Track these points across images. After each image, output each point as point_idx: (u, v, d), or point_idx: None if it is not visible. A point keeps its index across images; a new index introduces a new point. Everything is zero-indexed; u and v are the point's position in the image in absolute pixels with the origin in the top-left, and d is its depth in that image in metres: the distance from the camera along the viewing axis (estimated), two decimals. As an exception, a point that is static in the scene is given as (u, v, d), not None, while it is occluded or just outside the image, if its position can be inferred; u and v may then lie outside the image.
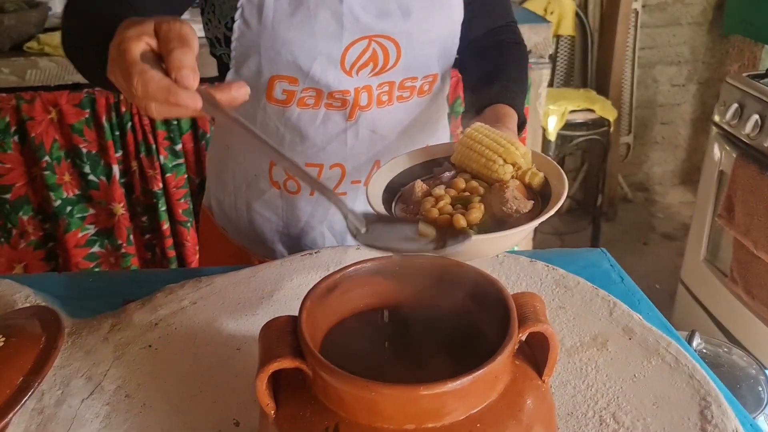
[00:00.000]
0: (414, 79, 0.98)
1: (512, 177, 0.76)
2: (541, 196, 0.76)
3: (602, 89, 3.17)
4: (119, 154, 2.09)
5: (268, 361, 0.58)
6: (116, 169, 2.09)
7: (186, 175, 2.16)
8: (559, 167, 0.77)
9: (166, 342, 0.81)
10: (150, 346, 0.81)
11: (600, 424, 0.72)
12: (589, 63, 3.20)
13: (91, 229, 2.17)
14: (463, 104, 1.07)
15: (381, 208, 0.75)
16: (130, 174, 2.13)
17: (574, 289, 0.90)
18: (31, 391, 0.63)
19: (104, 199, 2.12)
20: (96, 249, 2.19)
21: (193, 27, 0.63)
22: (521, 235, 0.72)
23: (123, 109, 2.03)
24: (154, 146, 2.08)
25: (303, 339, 0.58)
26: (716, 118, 2.23)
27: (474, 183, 0.76)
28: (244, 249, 1.10)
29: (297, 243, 1.06)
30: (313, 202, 1.03)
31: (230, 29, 0.92)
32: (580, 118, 2.91)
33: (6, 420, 0.61)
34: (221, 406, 0.75)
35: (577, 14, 3.08)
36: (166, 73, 0.57)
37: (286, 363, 0.57)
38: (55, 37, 2.04)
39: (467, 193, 0.75)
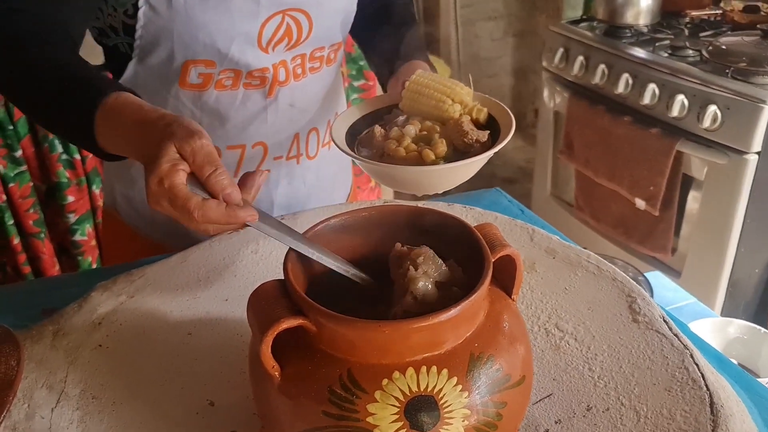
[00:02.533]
0: (322, 49, 0.99)
1: (461, 114, 0.81)
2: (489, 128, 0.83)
3: (431, 49, 3.32)
4: (-51, 169, 1.89)
5: (270, 324, 0.58)
6: (-52, 185, 1.89)
7: (31, 183, 1.99)
8: (500, 102, 0.85)
9: (115, 339, 0.78)
10: (100, 345, 0.77)
11: (547, 335, 0.80)
12: (416, 26, 3.33)
13: (-72, 258, 1.95)
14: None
15: (351, 153, 0.80)
16: (-34, 189, 1.93)
17: (495, 222, 0.97)
18: (6, 407, 0.59)
19: (-61, 220, 1.91)
20: (-64, 278, 1.98)
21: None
22: (486, 160, 0.79)
23: (-53, 118, 1.83)
24: (-10, 156, 1.90)
25: (301, 297, 0.59)
26: (545, 63, 2.44)
27: (428, 123, 0.81)
28: (160, 244, 1.06)
29: (224, 228, 1.04)
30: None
31: (131, 17, 0.87)
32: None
33: (-13, 442, 0.57)
34: (190, 391, 0.74)
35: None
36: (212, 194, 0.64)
37: (289, 322, 0.58)
38: None
39: (425, 132, 0.79)
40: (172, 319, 0.83)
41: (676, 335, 0.77)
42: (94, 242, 2.12)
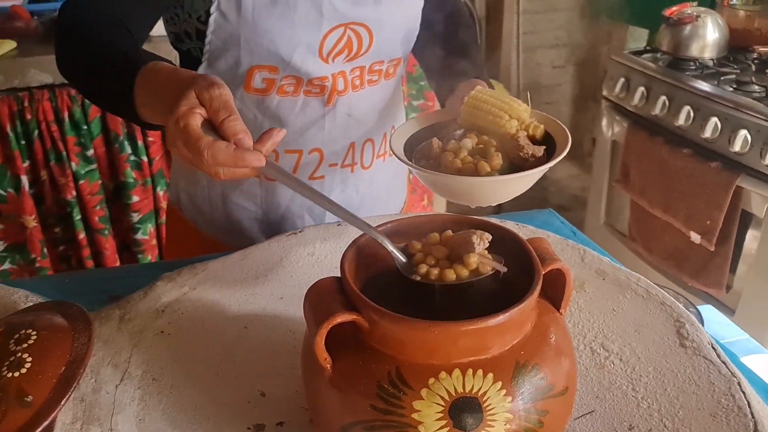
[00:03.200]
0: (381, 63, 1.03)
1: (517, 129, 0.84)
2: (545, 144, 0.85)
3: (492, 74, 3.35)
4: (27, 164, 1.99)
5: (325, 317, 0.61)
6: (25, 179, 1.99)
7: (100, 181, 2.09)
8: (557, 120, 0.87)
9: (176, 327, 0.83)
10: (162, 332, 0.81)
11: (592, 354, 0.81)
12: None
13: (0, 245, 2.06)
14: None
15: (408, 162, 0.83)
16: (40, 184, 2.04)
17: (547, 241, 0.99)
18: (78, 379, 0.63)
19: (14, 212, 2.02)
20: (7, 266, 2.08)
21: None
22: (541, 174, 0.81)
23: (28, 116, 1.93)
24: (64, 153, 2.00)
25: (356, 293, 0.62)
26: (605, 92, 2.43)
27: (485, 137, 0.84)
28: (218, 241, 1.11)
29: (276, 229, 1.09)
30: None
31: (203, 23, 0.93)
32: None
33: (59, 407, 0.62)
34: (244, 380, 0.77)
35: (464, 3, 3.23)
36: (225, 139, 0.66)
37: (343, 317, 0.61)
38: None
39: (481, 146, 0.82)
40: (230, 312, 0.86)
41: (723, 362, 0.77)
42: (154, 241, 2.20)
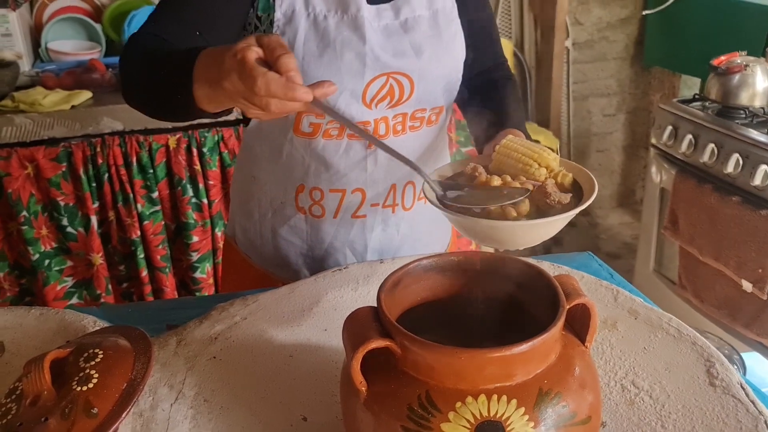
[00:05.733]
0: (423, 110, 1.10)
1: (546, 178, 0.89)
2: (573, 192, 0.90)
3: (542, 122, 3.39)
4: (96, 204, 2.13)
5: (360, 343, 0.67)
6: (94, 219, 2.12)
7: (163, 222, 2.21)
8: (585, 168, 0.92)
9: (227, 353, 0.89)
10: (214, 357, 0.88)
11: (622, 391, 0.84)
12: (528, 97, 3.42)
13: (69, 281, 2.19)
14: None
15: (437, 204, 0.88)
16: (107, 224, 2.17)
17: (581, 281, 1.02)
18: (138, 395, 0.70)
19: (82, 249, 2.15)
20: (74, 300, 2.21)
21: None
22: (567, 220, 0.85)
23: (100, 161, 2.08)
24: (131, 195, 2.13)
25: (390, 321, 0.67)
26: (653, 140, 2.45)
27: (516, 183, 0.89)
28: (268, 273, 1.18)
29: (320, 265, 1.16)
30: (336, 224, 1.13)
31: None
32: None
33: (120, 419, 0.68)
34: (288, 405, 0.82)
35: (514, 53, 3.31)
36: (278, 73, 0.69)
37: (377, 343, 0.66)
38: (30, 95, 2.08)
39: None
40: (277, 341, 0.92)
41: (752, 401, 0.79)
42: (211, 280, 2.30)
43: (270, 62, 0.71)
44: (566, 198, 0.86)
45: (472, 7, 1.13)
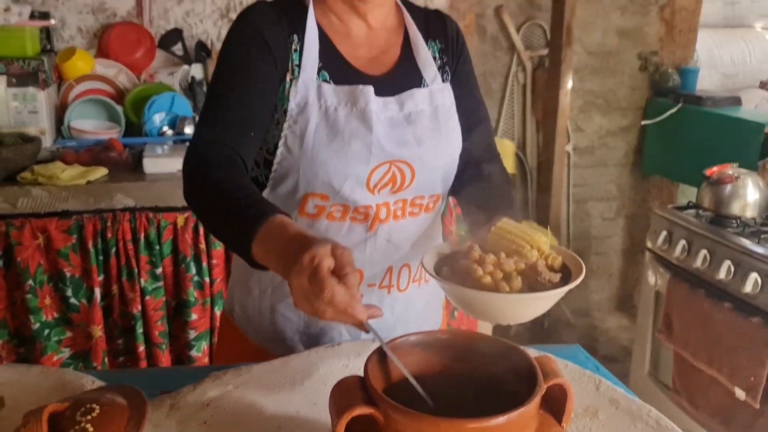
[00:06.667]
0: (422, 197, 1.17)
1: (537, 258, 0.94)
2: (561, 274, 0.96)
3: (541, 222, 3.46)
4: (101, 277, 2.17)
5: (345, 409, 0.70)
6: (98, 291, 2.16)
7: (164, 298, 2.25)
8: (574, 254, 0.98)
9: (218, 419, 0.92)
10: (205, 422, 0.91)
11: (601, 477, 0.86)
12: (528, 198, 3.52)
13: (67, 352, 2.20)
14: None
15: (433, 274, 0.96)
16: (110, 297, 2.20)
17: (564, 370, 1.05)
18: (130, 449, 0.73)
19: (84, 321, 2.18)
20: (69, 372, 2.21)
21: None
22: (558, 297, 0.91)
23: (109, 235, 2.14)
24: (136, 270, 2.18)
25: (375, 390, 0.71)
26: (649, 244, 2.51)
27: (510, 262, 0.94)
28: (263, 349, 1.21)
29: (316, 341, 1.19)
30: None
31: (271, 153, 1.10)
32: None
33: (111, 474, 0.71)
34: (273, 474, 0.85)
35: (516, 154, 3.43)
36: None
37: (362, 410, 0.70)
38: (49, 168, 2.18)
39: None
40: (268, 411, 0.95)
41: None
42: (207, 359, 2.31)
43: (338, 275, 0.80)
44: (556, 278, 0.92)
45: (468, 105, 1.22)
